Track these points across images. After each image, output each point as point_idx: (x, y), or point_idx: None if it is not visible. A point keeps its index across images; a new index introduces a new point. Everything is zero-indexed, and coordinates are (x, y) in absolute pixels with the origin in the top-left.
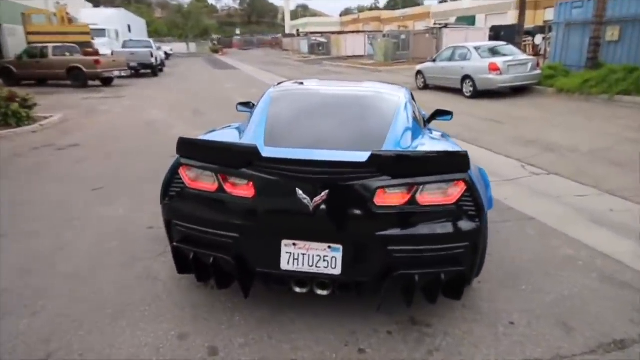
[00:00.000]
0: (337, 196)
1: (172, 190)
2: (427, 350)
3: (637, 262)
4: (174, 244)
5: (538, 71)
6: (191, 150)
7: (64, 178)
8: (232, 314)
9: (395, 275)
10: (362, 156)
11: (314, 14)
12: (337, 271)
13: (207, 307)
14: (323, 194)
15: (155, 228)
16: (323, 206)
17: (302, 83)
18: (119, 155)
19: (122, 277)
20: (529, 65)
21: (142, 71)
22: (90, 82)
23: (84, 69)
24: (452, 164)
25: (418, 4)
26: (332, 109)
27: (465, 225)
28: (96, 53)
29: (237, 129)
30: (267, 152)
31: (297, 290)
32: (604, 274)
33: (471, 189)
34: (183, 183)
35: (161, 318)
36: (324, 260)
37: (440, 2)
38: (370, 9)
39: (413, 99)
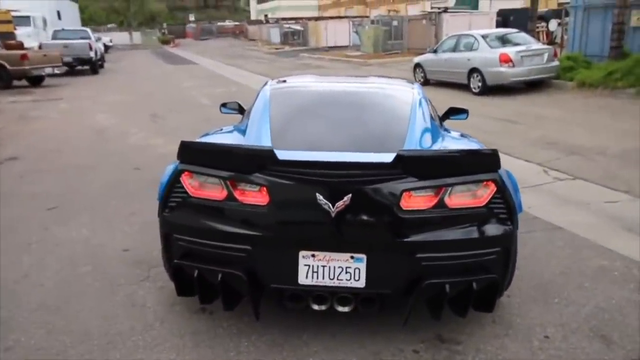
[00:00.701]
0: (360, 201)
1: (172, 200)
2: None
3: None
4: (175, 261)
5: (556, 62)
6: (195, 155)
7: (9, 197)
8: (239, 340)
9: (424, 285)
10: (387, 157)
11: None
12: (361, 284)
13: (209, 333)
14: (346, 198)
15: (131, 250)
16: (345, 212)
17: (301, 79)
18: (69, 170)
19: (103, 305)
20: (545, 55)
21: (79, 67)
22: (16, 82)
23: (8, 66)
24: (482, 163)
25: None
26: (341, 107)
27: (496, 229)
28: (21, 46)
29: (237, 130)
30: (282, 154)
31: (316, 307)
32: (623, 273)
33: (502, 190)
34: (185, 192)
35: (159, 347)
36: (347, 272)
37: None
38: None
39: (426, 97)
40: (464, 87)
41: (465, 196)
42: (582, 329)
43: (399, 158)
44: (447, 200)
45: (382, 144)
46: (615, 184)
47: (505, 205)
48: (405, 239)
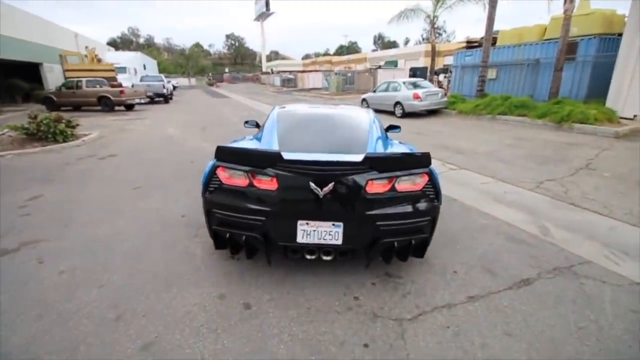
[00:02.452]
0: (339, 187)
1: (211, 186)
2: (401, 294)
3: (527, 226)
4: (213, 227)
5: (445, 99)
6: (226, 155)
7: (108, 180)
8: (257, 278)
9: (382, 242)
10: (356, 157)
11: (284, 58)
12: (339, 242)
13: (237, 274)
14: (330, 185)
15: (186, 216)
16: (329, 195)
17: (297, 106)
18: (149, 162)
19: (167, 254)
20: (439, 94)
21: (157, 99)
22: (117, 108)
23: (112, 97)
24: (420, 161)
25: (358, 52)
26: (324, 123)
27: (428, 205)
28: (120, 85)
29: (255, 139)
30: (286, 155)
31: (308, 257)
32: (508, 235)
33: (432, 179)
34: (219, 181)
35: (203, 283)
36: (329, 234)
37: (373, 51)
38: (324, 54)
39: (377, 117)
40: (391, 113)
41: (409, 183)
42: (476, 265)
43: (366, 158)
44: (397, 186)
45: (352, 148)
46: (485, 172)
47: (434, 189)
48: (369, 212)
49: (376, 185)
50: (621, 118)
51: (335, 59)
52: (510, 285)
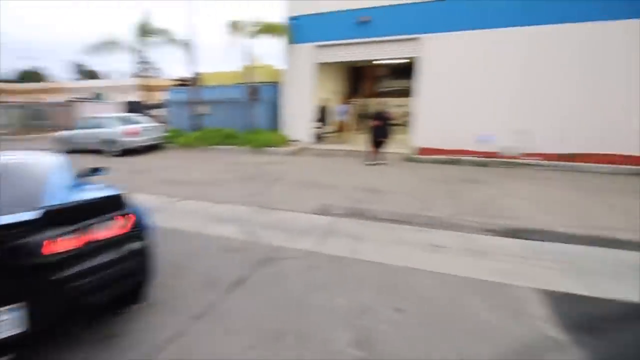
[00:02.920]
0: (5, 256)
1: None
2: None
3: (240, 235)
4: None
5: (165, 133)
6: None
7: None
8: None
9: (85, 304)
10: (28, 215)
11: None
12: (24, 328)
13: None
14: None
15: None
16: None
17: None
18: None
19: None
20: (158, 130)
21: None
22: None
23: None
24: (115, 204)
25: (48, 80)
26: None
27: (135, 247)
28: None
29: None
30: None
31: None
32: (225, 248)
33: (138, 218)
34: None
35: None
36: (4, 325)
37: (75, 80)
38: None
39: (64, 161)
40: (102, 152)
41: (106, 230)
42: (199, 283)
43: (45, 213)
44: (92, 235)
45: (21, 205)
46: (206, 198)
47: (140, 229)
48: (58, 276)
49: (63, 242)
50: (291, 141)
51: (11, 86)
52: (227, 289)
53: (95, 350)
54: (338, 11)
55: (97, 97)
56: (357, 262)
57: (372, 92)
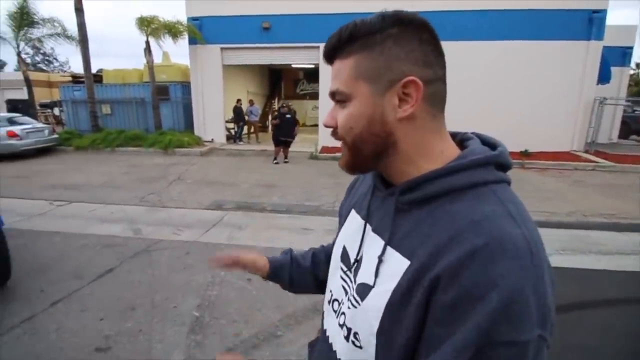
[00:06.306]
0: None
1: None
2: None
3: (124, 232)
4: None
5: (55, 135)
6: None
7: None
8: None
9: None
10: None
11: None
12: None
13: None
14: None
15: None
16: None
17: None
18: None
19: None
20: (46, 131)
21: None
22: None
23: None
24: None
25: None
26: None
27: None
28: None
29: None
30: None
31: None
32: (105, 245)
33: None
34: None
35: None
36: None
37: None
38: None
39: None
40: None
41: None
42: (66, 277)
43: None
44: None
45: None
46: (97, 200)
47: None
48: None
49: None
50: (205, 141)
51: None
52: (94, 279)
53: None
54: (243, 15)
55: None
56: (231, 246)
57: (292, 94)
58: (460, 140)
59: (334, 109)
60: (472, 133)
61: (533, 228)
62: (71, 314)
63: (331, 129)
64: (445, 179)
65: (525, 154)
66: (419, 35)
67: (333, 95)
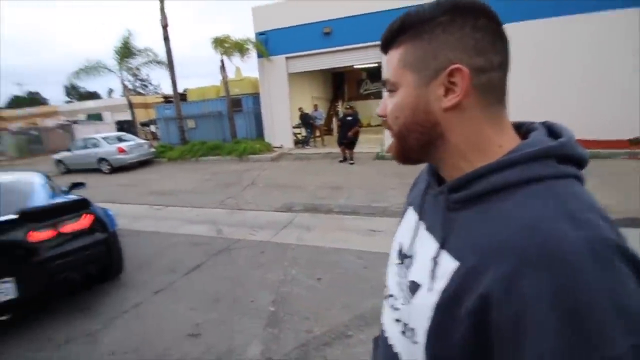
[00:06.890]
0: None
1: None
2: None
3: (208, 232)
4: None
5: (152, 149)
6: None
7: None
8: None
9: (60, 279)
10: (13, 215)
11: None
12: (14, 295)
13: None
14: None
15: None
16: None
17: None
18: None
19: None
20: (146, 146)
21: None
22: None
23: None
24: (77, 206)
25: (44, 104)
26: None
27: (98, 237)
28: None
29: None
30: None
31: None
32: (192, 243)
33: (96, 217)
34: None
35: None
36: (1, 292)
37: (68, 102)
38: None
39: (49, 178)
40: (98, 170)
41: (76, 224)
42: (164, 270)
43: (22, 213)
44: (62, 229)
45: (13, 209)
46: (186, 204)
47: (101, 224)
48: (38, 258)
49: (39, 234)
50: (275, 147)
51: (9, 113)
52: (186, 272)
53: (70, 319)
54: (304, 24)
55: (94, 117)
56: (299, 247)
57: (356, 95)
58: (526, 131)
59: (386, 98)
60: (543, 122)
61: (604, 227)
62: (168, 302)
63: (384, 119)
64: (493, 176)
65: (635, 142)
66: (474, 22)
67: (384, 84)
